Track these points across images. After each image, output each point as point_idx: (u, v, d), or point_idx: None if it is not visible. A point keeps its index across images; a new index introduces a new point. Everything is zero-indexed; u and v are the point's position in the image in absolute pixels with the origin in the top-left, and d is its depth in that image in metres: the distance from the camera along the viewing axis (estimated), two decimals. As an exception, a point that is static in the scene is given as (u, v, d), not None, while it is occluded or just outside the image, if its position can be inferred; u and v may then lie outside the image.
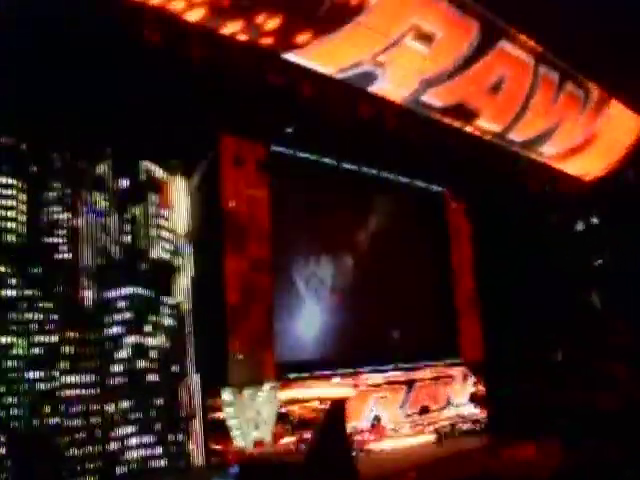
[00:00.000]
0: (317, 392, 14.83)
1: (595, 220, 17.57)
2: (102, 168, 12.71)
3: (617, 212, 17.20)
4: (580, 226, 17.71)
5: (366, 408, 15.60)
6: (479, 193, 18.10)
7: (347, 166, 16.20)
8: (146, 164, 13.35)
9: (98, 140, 12.51)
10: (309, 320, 15.11)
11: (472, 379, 18.27)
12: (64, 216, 12.00)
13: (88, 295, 12.10)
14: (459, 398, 17.92)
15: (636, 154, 17.48)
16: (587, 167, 18.24)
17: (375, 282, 16.08)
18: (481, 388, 18.32)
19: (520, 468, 12.03)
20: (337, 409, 8.84)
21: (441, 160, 15.83)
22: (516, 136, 15.75)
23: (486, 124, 15.04)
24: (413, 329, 16.90)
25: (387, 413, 16.00)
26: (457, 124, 14.80)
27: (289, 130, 14.02)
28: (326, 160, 15.73)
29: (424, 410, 16.87)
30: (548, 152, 16.94)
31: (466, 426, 17.75)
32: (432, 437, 16.70)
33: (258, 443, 13.51)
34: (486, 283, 18.49)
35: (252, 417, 13.62)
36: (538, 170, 17.43)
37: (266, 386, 13.89)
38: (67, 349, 11.54)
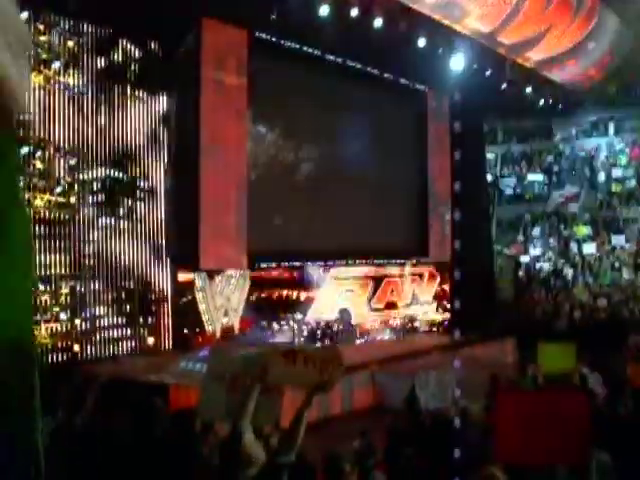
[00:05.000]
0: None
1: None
2: (78, 44, 12.29)
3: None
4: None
5: (334, 301, 15.93)
6: (462, 95, 17.84)
7: (331, 58, 15.80)
8: (124, 43, 12.96)
9: (75, 15, 12.03)
10: (284, 212, 15.09)
11: (438, 279, 18.64)
12: (37, 94, 11.63)
13: (61, 175, 11.96)
14: (424, 296, 18.33)
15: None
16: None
17: (351, 177, 16.02)
18: (446, 287, 18.70)
19: (476, 365, 12.40)
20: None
21: (426, 58, 15.50)
22: (505, 39, 15.43)
23: (475, 24, 14.67)
24: (386, 226, 17.00)
25: (354, 307, 16.35)
26: (446, 22, 14.41)
27: (273, 17, 13.56)
28: (309, 50, 15.31)
29: (390, 306, 17.26)
30: (535, 58, 16.68)
31: (429, 324, 18.24)
32: (396, 332, 17.20)
33: (226, 329, 13.83)
34: (461, 186, 18.47)
35: (222, 304, 13.87)
36: (523, 75, 17.21)
37: (236, 273, 14.07)
38: (39, 229, 11.50)
